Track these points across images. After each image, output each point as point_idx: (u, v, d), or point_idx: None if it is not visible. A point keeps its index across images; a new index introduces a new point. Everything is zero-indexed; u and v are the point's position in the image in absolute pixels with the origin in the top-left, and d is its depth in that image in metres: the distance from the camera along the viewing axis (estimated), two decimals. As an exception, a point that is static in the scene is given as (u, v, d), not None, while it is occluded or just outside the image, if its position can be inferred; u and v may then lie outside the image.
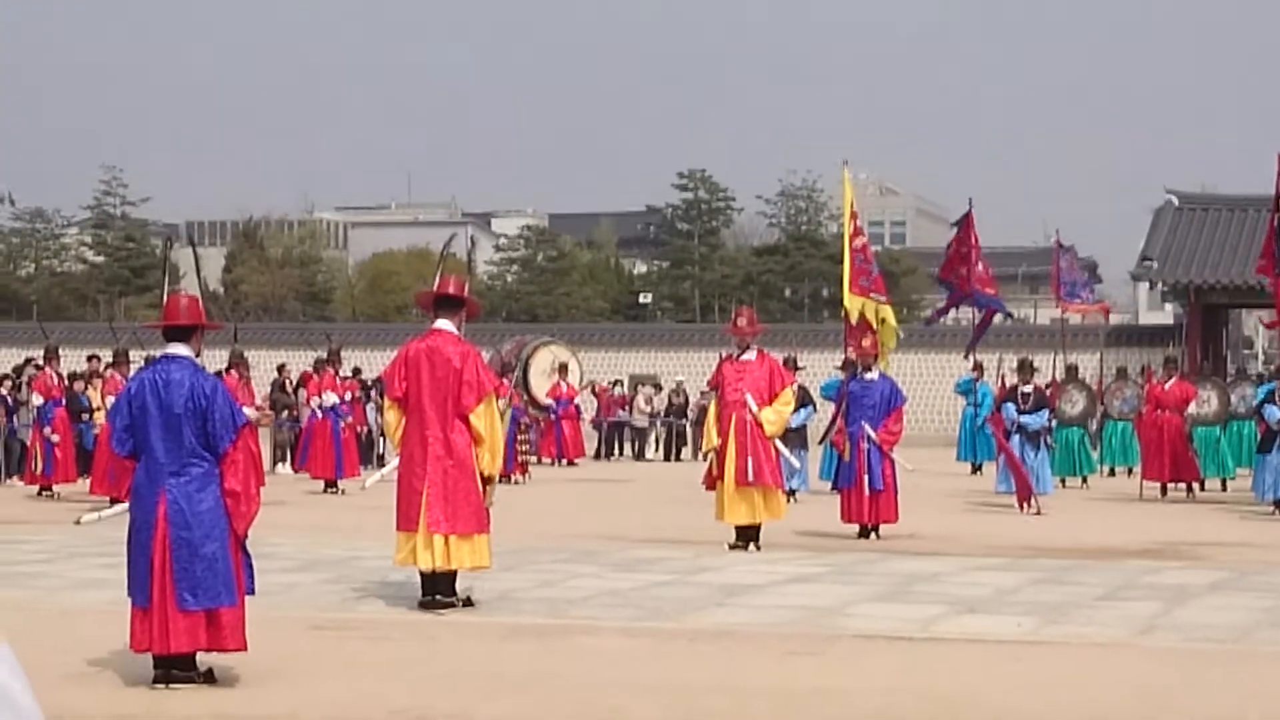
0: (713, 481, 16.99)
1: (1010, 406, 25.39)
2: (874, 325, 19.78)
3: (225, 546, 9.38)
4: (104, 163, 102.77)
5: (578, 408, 38.41)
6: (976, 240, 28.15)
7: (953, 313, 30.97)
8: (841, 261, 20.86)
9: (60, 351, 27.65)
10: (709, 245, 76.79)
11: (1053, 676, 10.04)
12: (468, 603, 12.51)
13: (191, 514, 9.32)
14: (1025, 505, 22.79)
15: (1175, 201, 47.77)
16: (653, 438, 42.70)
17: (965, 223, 28.34)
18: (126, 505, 9.72)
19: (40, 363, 26.93)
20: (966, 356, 29.33)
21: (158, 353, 9.90)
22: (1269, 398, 23.02)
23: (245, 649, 9.48)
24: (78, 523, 10.60)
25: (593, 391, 42.23)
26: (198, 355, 9.73)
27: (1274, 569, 15.76)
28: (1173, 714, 8.85)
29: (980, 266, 27.83)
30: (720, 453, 16.82)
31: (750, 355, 17.02)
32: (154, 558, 9.32)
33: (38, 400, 25.74)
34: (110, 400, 19.15)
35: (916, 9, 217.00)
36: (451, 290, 12.77)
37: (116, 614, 9.98)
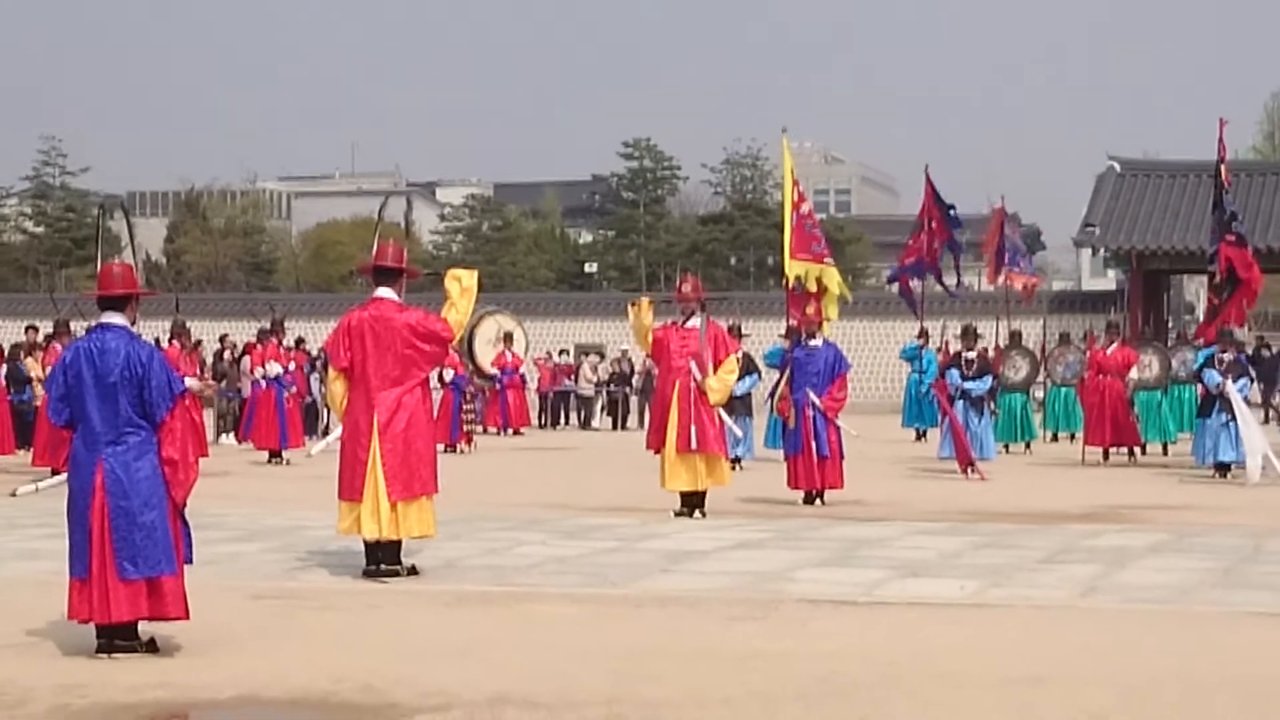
0: (658, 444, 16.96)
1: (954, 372, 25.50)
2: (824, 287, 19.78)
3: (164, 515, 9.34)
4: (43, 133, 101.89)
5: (523, 377, 38.37)
6: (934, 205, 28.25)
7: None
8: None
9: (-1, 322, 27.45)
10: (654, 214, 76.79)
11: (995, 638, 10.11)
12: (412, 571, 12.49)
13: (129, 483, 9.27)
14: (967, 471, 22.90)
15: (1117, 167, 47.97)
16: (599, 406, 42.72)
17: (925, 193, 28.42)
18: (65, 476, 9.67)
19: (-21, 334, 26.71)
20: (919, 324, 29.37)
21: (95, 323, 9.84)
22: (1208, 362, 23.16)
23: (187, 618, 9.46)
24: (14, 495, 10.53)
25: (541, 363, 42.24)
26: (133, 324, 9.67)
27: (1213, 531, 15.89)
28: (1113, 674, 8.92)
29: (923, 238, 27.95)
30: (662, 419, 16.81)
31: (695, 322, 17.00)
32: (92, 527, 9.27)
33: (-24, 372, 25.53)
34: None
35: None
36: (390, 260, 12.74)
37: (57, 584, 9.94)
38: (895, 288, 28.43)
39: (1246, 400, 22.43)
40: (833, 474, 18.87)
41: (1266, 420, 35.14)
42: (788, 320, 19.91)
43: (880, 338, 47.79)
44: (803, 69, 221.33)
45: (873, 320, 49.11)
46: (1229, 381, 22.43)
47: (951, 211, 28.68)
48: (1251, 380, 23.75)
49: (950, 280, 30.27)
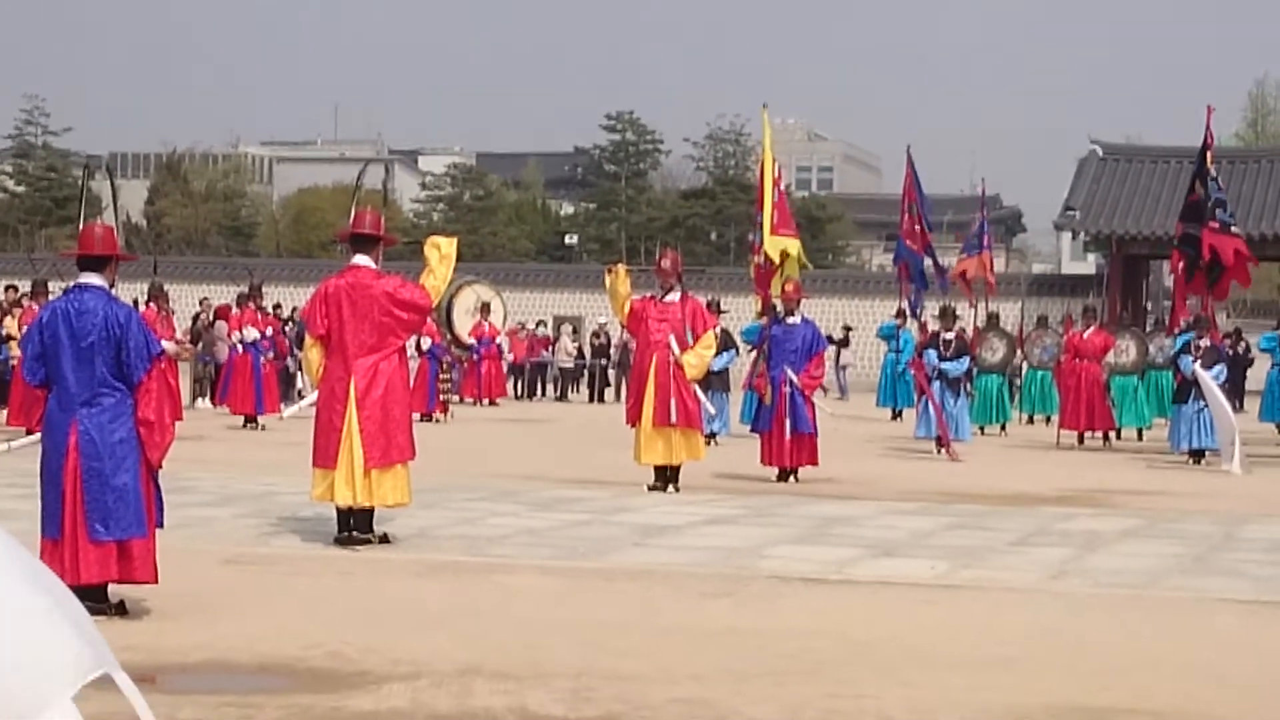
0: (637, 419, 16.95)
1: (932, 353, 25.50)
2: (790, 256, 19.67)
3: (137, 478, 9.33)
4: (25, 91, 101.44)
5: (499, 347, 38.35)
6: (910, 189, 28.07)
7: (878, 260, 30.81)
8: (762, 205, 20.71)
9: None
10: (636, 187, 76.77)
11: (965, 619, 10.12)
12: (384, 539, 12.48)
13: (103, 445, 9.25)
14: (948, 448, 22.89)
15: (1099, 152, 48.04)
16: (576, 379, 42.73)
17: (906, 177, 28.22)
18: (38, 436, 9.65)
19: (-44, 292, 26.59)
20: (916, 315, 29.13)
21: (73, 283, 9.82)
22: (1185, 348, 23.20)
23: (156, 581, 9.45)
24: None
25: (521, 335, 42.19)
26: (112, 286, 9.65)
27: (1186, 517, 15.93)
28: (1081, 657, 8.95)
29: (906, 219, 27.77)
30: (639, 393, 16.83)
31: (673, 297, 17.00)
32: (65, 488, 9.26)
33: (-47, 329, 25.44)
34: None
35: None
36: (368, 227, 12.73)
37: (28, 545, 9.88)
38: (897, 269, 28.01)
39: (1222, 387, 22.47)
40: (808, 452, 18.89)
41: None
42: (764, 294, 19.81)
43: (857, 316, 47.80)
44: (787, 45, 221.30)
45: (850, 299, 49.17)
46: (1199, 365, 22.47)
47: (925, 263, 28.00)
48: (1228, 367, 23.78)
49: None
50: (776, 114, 22.68)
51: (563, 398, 41.72)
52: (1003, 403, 29.86)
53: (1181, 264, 23.68)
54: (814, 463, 18.91)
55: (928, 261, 26.76)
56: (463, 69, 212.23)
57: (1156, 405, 28.72)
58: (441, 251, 12.77)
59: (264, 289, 30.04)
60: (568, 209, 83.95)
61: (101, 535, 9.23)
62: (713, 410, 20.82)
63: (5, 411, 23.73)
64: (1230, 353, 34.77)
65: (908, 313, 30.37)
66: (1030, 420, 31.74)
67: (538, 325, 44.39)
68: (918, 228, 27.47)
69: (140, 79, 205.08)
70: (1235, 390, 37.76)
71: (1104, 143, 49.00)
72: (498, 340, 37.90)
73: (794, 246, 19.88)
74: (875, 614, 10.23)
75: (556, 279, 54.38)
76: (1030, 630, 9.74)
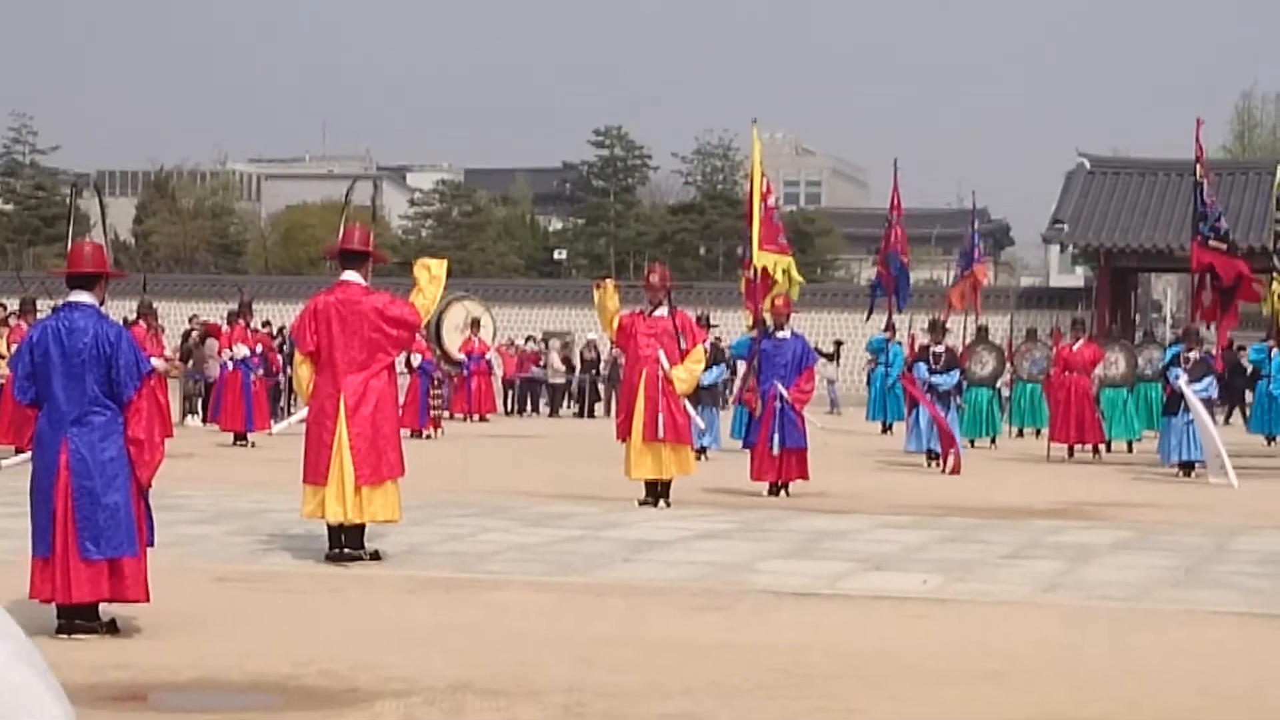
0: (626, 434, 16.96)
1: (921, 366, 25.53)
2: (776, 279, 19.68)
3: (128, 496, 9.32)
4: (13, 110, 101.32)
5: (489, 363, 38.34)
6: (898, 203, 28.21)
7: (867, 274, 30.98)
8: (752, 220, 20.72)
9: (-35, 300, 27.26)
10: (625, 203, 76.76)
11: (957, 632, 10.13)
12: (375, 556, 12.47)
13: (94, 463, 9.24)
14: (946, 457, 22.81)
15: (1087, 164, 48.10)
16: (566, 394, 42.72)
17: (893, 190, 28.38)
18: (29, 454, 9.64)
19: (-56, 311, 26.52)
20: (878, 318, 29.31)
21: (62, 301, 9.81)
22: (1174, 361, 23.23)
23: (147, 600, 9.44)
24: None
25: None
26: (102, 303, 9.65)
27: (1177, 529, 15.93)
28: (1072, 669, 8.95)
29: (896, 232, 27.89)
30: (629, 409, 16.83)
31: (662, 311, 17.00)
32: (56, 507, 9.25)
33: (-59, 349, 25.35)
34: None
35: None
36: (356, 244, 12.73)
37: (18, 564, 9.89)
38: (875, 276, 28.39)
39: (1209, 401, 22.50)
40: (798, 466, 18.89)
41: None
42: (755, 309, 19.82)
43: (846, 330, 47.82)
44: (774, 60, 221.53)
45: (839, 313, 49.19)
46: (1184, 378, 22.49)
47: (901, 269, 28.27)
48: (1217, 380, 23.81)
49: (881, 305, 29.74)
50: (764, 128, 22.49)
51: (553, 413, 41.71)
52: (992, 416, 29.89)
53: (1209, 275, 23.79)
54: (804, 477, 18.91)
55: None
56: (451, 85, 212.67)
57: (1146, 418, 28.74)
58: (431, 273, 12.79)
59: (253, 306, 30.04)
60: (556, 224, 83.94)
61: (93, 554, 9.22)
62: (702, 424, 20.84)
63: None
64: (1242, 364, 34.81)
65: (893, 322, 30.48)
66: (1020, 433, 31.76)
67: (527, 341, 44.39)
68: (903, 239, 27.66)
69: (127, 97, 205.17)
70: (1243, 401, 37.62)
71: (1092, 155, 49.08)
72: (487, 356, 37.88)
73: (782, 263, 19.86)
74: (867, 628, 10.23)
75: (546, 294, 54.38)
76: (1022, 643, 9.74)
